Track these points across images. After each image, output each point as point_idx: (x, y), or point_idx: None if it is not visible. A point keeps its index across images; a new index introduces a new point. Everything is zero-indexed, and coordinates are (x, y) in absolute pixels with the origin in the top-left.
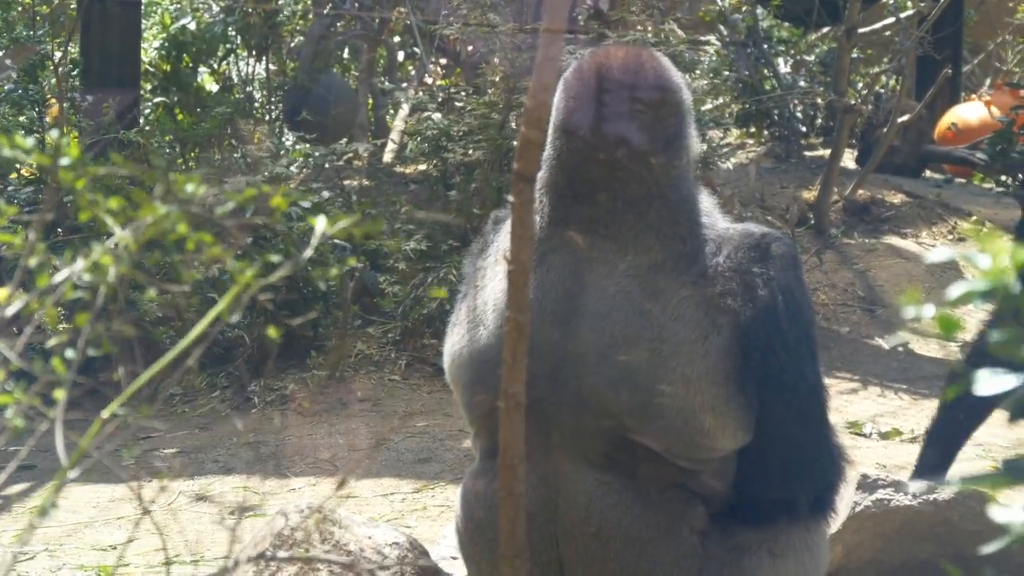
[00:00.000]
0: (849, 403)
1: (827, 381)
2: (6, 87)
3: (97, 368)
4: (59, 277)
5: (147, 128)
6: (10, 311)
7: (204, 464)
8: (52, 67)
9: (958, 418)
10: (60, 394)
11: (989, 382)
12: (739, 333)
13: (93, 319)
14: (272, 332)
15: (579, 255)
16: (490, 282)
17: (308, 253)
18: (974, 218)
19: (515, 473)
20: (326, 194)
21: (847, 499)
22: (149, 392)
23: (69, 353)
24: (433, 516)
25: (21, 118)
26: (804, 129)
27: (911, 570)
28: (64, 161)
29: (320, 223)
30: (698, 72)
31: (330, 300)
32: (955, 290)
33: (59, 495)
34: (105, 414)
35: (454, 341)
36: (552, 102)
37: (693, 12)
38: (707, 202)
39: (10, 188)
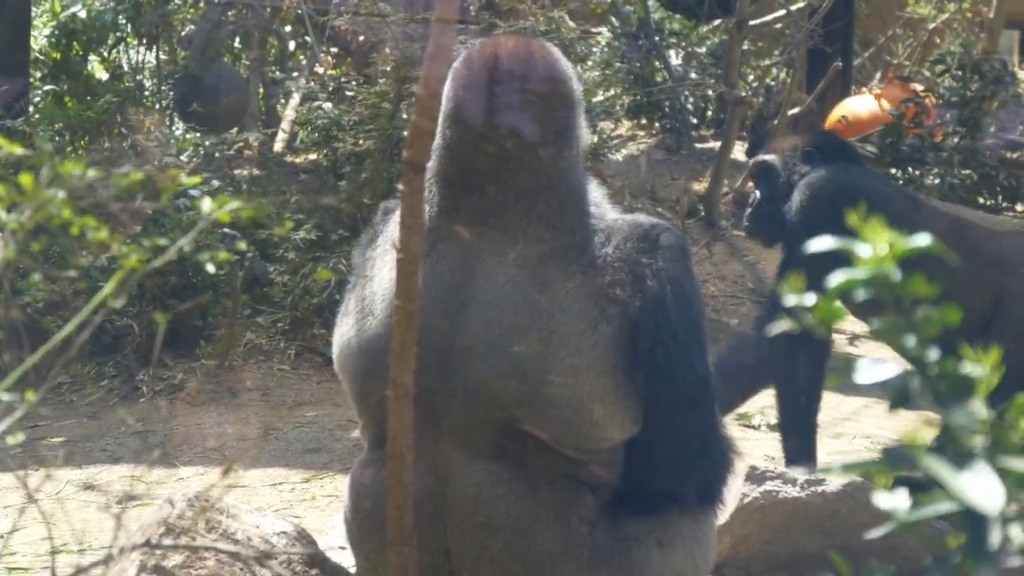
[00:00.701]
0: None
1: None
2: None
3: None
4: None
5: (36, 116)
6: None
7: (92, 453)
8: None
9: (799, 401)
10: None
11: (869, 371)
12: (628, 323)
13: None
14: (159, 317)
15: (469, 245)
16: (379, 272)
17: (192, 234)
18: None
19: (403, 462)
20: (216, 183)
21: (735, 491)
22: (36, 378)
23: None
24: (322, 506)
25: None
26: (695, 121)
27: (799, 562)
28: None
29: (206, 204)
30: (589, 63)
31: (219, 289)
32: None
33: None
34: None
35: (343, 331)
36: (442, 90)
37: (584, 3)
38: (597, 193)
39: None
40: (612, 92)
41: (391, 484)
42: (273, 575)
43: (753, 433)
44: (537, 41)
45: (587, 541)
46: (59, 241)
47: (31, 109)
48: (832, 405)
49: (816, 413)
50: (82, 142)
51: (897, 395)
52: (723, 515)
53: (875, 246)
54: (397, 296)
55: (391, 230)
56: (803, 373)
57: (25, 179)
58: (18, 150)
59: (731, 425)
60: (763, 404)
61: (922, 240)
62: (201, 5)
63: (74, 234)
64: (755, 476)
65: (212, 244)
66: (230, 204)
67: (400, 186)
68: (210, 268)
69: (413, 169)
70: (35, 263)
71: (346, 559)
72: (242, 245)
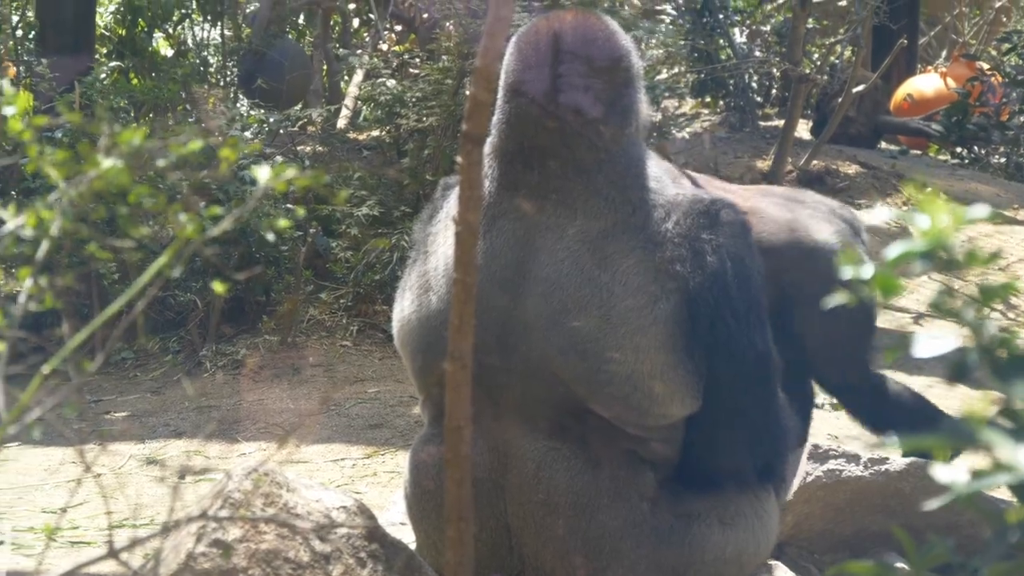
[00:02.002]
0: None
1: None
2: None
3: (51, 325)
4: (1, 230)
5: (100, 92)
6: None
7: (155, 428)
8: (8, 31)
9: None
10: (1, 347)
11: (926, 345)
12: (687, 300)
13: (35, 273)
14: (217, 286)
15: (528, 221)
16: (440, 247)
17: (250, 203)
18: (928, 189)
19: (461, 436)
20: (280, 159)
21: (799, 470)
22: (96, 349)
23: (10, 308)
24: (383, 482)
25: None
26: (760, 100)
27: (862, 541)
28: (9, 110)
29: (263, 173)
30: (654, 41)
31: (282, 265)
32: (893, 250)
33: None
34: (46, 369)
35: (403, 307)
36: (502, 64)
37: None
38: (657, 168)
39: None
40: (676, 70)
41: (449, 458)
42: (332, 549)
43: (817, 412)
44: (596, 15)
45: (648, 518)
46: (116, 211)
47: (96, 86)
48: None
49: None
50: (147, 118)
51: (955, 369)
52: (785, 493)
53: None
54: (455, 269)
55: (451, 205)
56: None
57: (83, 147)
58: (77, 118)
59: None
60: None
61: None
62: None
63: (131, 203)
64: (818, 455)
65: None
66: (287, 173)
67: (459, 159)
68: (269, 237)
69: (472, 141)
70: (96, 232)
71: (406, 535)
72: (301, 211)
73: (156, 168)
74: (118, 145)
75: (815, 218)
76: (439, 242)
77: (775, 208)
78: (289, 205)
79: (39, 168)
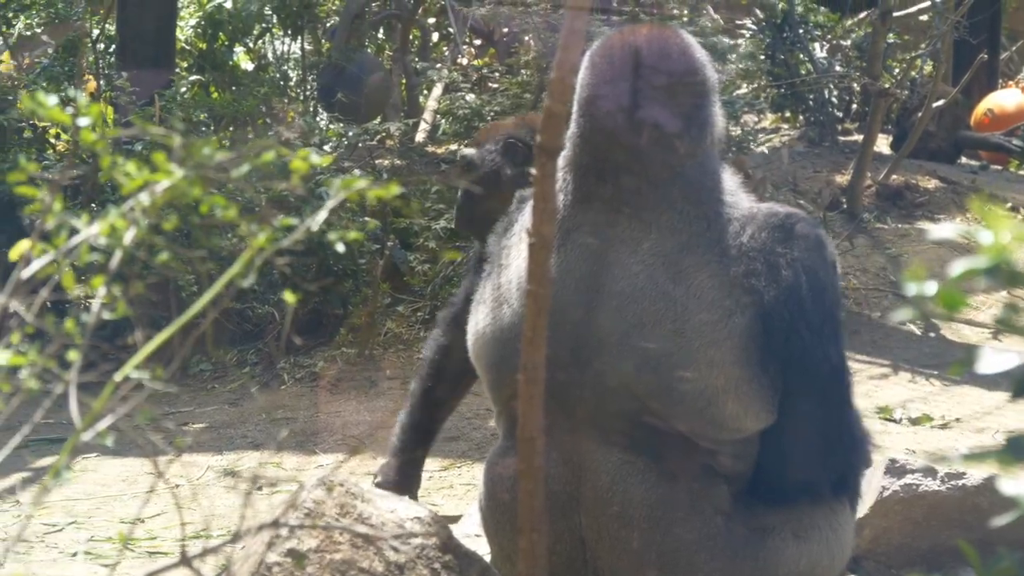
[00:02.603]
0: (879, 388)
1: (857, 366)
2: (43, 62)
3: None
4: (76, 240)
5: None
6: (27, 273)
7: (232, 440)
8: (89, 44)
9: None
10: (74, 355)
11: (990, 361)
12: (762, 314)
13: (109, 282)
14: (289, 296)
15: (602, 235)
16: (514, 261)
17: (322, 213)
18: (1009, 205)
19: (534, 447)
20: (358, 173)
21: (875, 484)
22: (169, 356)
23: (85, 316)
24: (459, 494)
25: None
26: (839, 114)
27: (939, 555)
28: (84, 121)
29: (336, 184)
30: (733, 56)
31: (360, 278)
32: (957, 267)
33: (76, 461)
34: (118, 377)
35: (478, 320)
36: (576, 76)
37: None
38: (731, 182)
39: (45, 163)
40: (756, 85)
41: (522, 469)
42: (407, 560)
43: (894, 427)
44: (671, 29)
45: (722, 532)
46: (190, 221)
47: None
48: (974, 399)
49: None
50: (227, 132)
51: (1020, 385)
52: (861, 507)
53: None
54: (528, 280)
55: (526, 218)
56: None
57: (157, 157)
58: (154, 129)
59: (872, 419)
60: (904, 398)
61: None
62: None
63: (203, 213)
64: (895, 469)
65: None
66: (359, 183)
67: (533, 171)
68: (339, 248)
69: (546, 153)
70: (168, 242)
71: (482, 547)
72: (373, 224)
73: (231, 179)
74: (192, 156)
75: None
76: (514, 255)
77: None
78: (367, 218)
79: (113, 178)
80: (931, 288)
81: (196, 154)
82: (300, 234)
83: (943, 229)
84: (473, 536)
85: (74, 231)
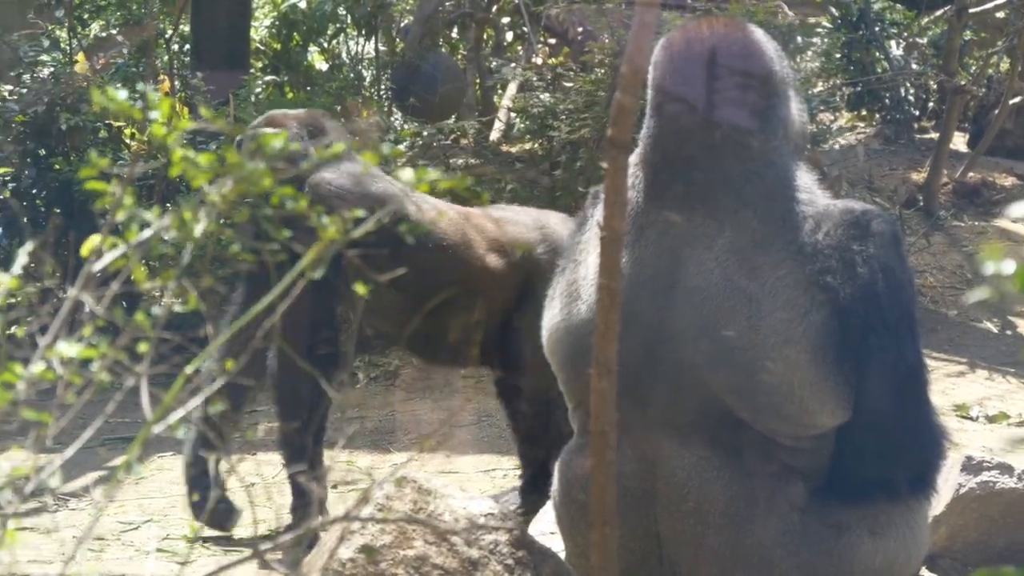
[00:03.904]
0: (956, 386)
1: (934, 363)
2: (118, 62)
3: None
4: (146, 233)
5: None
6: (98, 266)
7: None
8: (163, 44)
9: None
10: (145, 348)
11: None
12: (838, 311)
13: (179, 275)
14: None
15: (676, 231)
16: (588, 256)
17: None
18: None
19: (606, 441)
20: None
21: (951, 481)
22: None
23: (155, 309)
24: None
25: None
26: (916, 112)
27: (1016, 553)
28: (154, 115)
29: (406, 175)
30: (809, 54)
31: None
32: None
33: (151, 459)
34: (188, 369)
35: (552, 316)
36: (646, 69)
37: None
38: (806, 179)
39: (120, 162)
40: (832, 83)
41: (594, 463)
42: (480, 555)
43: (971, 424)
44: (744, 25)
45: (798, 528)
46: (259, 213)
47: (252, 99)
48: None
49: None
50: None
51: None
52: (937, 504)
53: None
54: (600, 274)
55: (600, 214)
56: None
57: (227, 150)
58: (222, 123)
59: (948, 416)
60: (981, 395)
61: None
62: None
63: (274, 205)
64: (971, 467)
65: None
66: (430, 175)
67: (604, 165)
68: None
69: (616, 147)
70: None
71: (555, 544)
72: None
73: (303, 172)
74: (261, 149)
75: (563, 223)
76: (588, 251)
77: (524, 214)
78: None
79: (185, 174)
80: (1009, 267)
81: (266, 147)
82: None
83: (1016, 209)
84: (548, 534)
85: (145, 224)
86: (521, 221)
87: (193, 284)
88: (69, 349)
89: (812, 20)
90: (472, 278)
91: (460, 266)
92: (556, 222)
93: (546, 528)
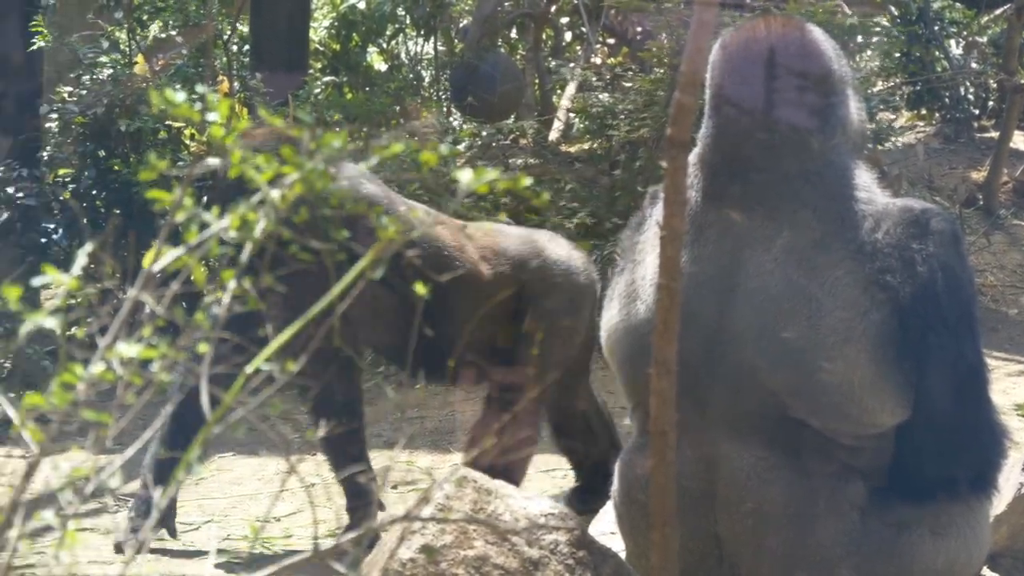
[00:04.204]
0: (1016, 385)
1: (994, 363)
2: (177, 64)
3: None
4: (206, 233)
5: (313, 105)
6: (158, 266)
7: (369, 439)
8: (222, 45)
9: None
10: (205, 348)
11: None
12: (898, 310)
13: (239, 275)
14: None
15: (735, 231)
16: (647, 256)
17: (454, 204)
18: None
19: (666, 440)
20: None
21: (1013, 481)
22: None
23: (215, 309)
24: None
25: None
26: (976, 111)
27: None
28: (212, 116)
29: (465, 175)
30: (869, 53)
31: None
32: None
33: (211, 459)
34: (249, 369)
35: (611, 316)
36: (705, 68)
37: None
38: (865, 178)
39: (180, 164)
40: (891, 82)
41: (654, 463)
42: (540, 555)
43: None
44: (802, 24)
45: (858, 527)
46: (319, 213)
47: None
48: None
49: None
50: (361, 132)
51: None
52: (998, 504)
53: None
54: (660, 274)
55: (659, 214)
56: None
57: (286, 151)
58: (279, 122)
59: (1010, 416)
60: None
61: None
62: None
63: (333, 206)
64: None
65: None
66: (489, 174)
67: (663, 164)
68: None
69: (676, 146)
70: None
71: (616, 544)
72: (504, 216)
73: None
74: (321, 149)
75: (553, 240)
76: (647, 251)
77: (515, 228)
78: (502, 220)
79: (244, 174)
80: None
81: (325, 147)
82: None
83: None
84: (608, 534)
85: (204, 225)
86: (512, 234)
87: (253, 284)
88: (129, 350)
89: (871, 19)
90: (467, 287)
91: (456, 274)
92: (546, 238)
93: (606, 528)
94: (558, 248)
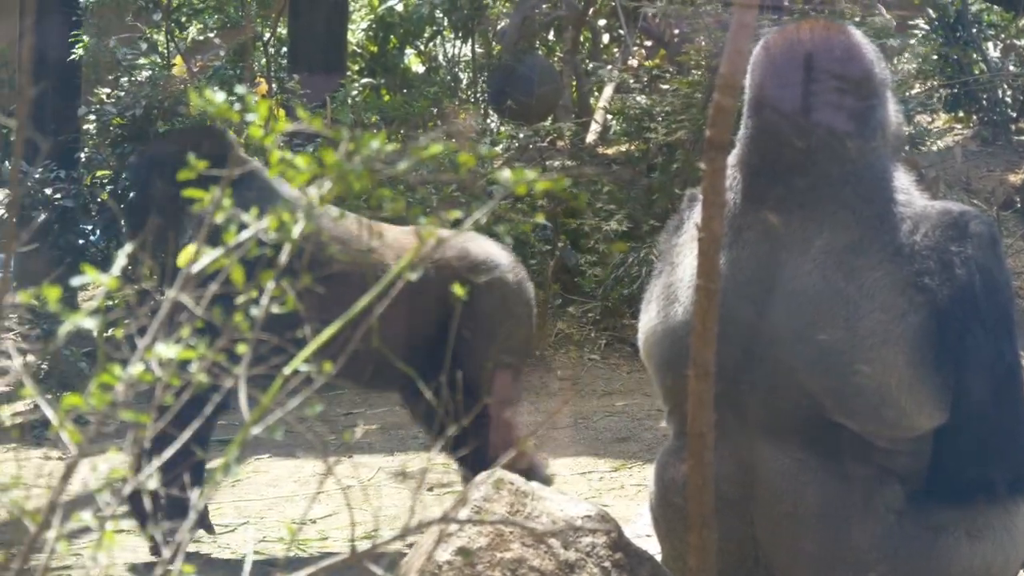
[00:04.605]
0: None
1: None
2: (215, 65)
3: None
4: (244, 234)
5: (351, 107)
6: (196, 267)
7: (404, 441)
8: (261, 47)
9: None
10: (243, 349)
11: None
12: (936, 312)
13: (278, 276)
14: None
15: (773, 233)
16: (685, 258)
17: (489, 206)
18: None
19: (704, 442)
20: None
21: None
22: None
23: (253, 310)
24: (630, 495)
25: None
26: (1013, 114)
27: None
28: (251, 116)
29: (504, 176)
30: (906, 56)
31: (531, 279)
32: None
33: (248, 461)
34: (287, 370)
35: (648, 318)
36: (744, 70)
37: None
38: (904, 180)
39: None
40: (929, 84)
41: (692, 465)
42: (577, 558)
43: None
44: (842, 27)
45: (895, 530)
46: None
47: (348, 102)
48: None
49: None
50: (398, 134)
51: None
52: None
53: None
54: (698, 276)
55: (697, 216)
56: None
57: (325, 152)
58: (318, 124)
59: None
60: None
61: None
62: None
63: (372, 206)
64: None
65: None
66: (527, 175)
67: (702, 165)
68: (507, 240)
69: (715, 148)
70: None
71: (652, 547)
72: (540, 217)
73: (400, 174)
74: (359, 150)
75: (477, 241)
76: (685, 253)
77: (444, 232)
78: (540, 221)
79: (282, 174)
80: None
81: (363, 148)
82: (469, 226)
83: None
84: (644, 537)
85: (243, 226)
86: (441, 237)
87: (291, 285)
88: (167, 350)
89: (909, 22)
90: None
91: (369, 279)
92: (472, 240)
93: (642, 531)
94: (484, 249)
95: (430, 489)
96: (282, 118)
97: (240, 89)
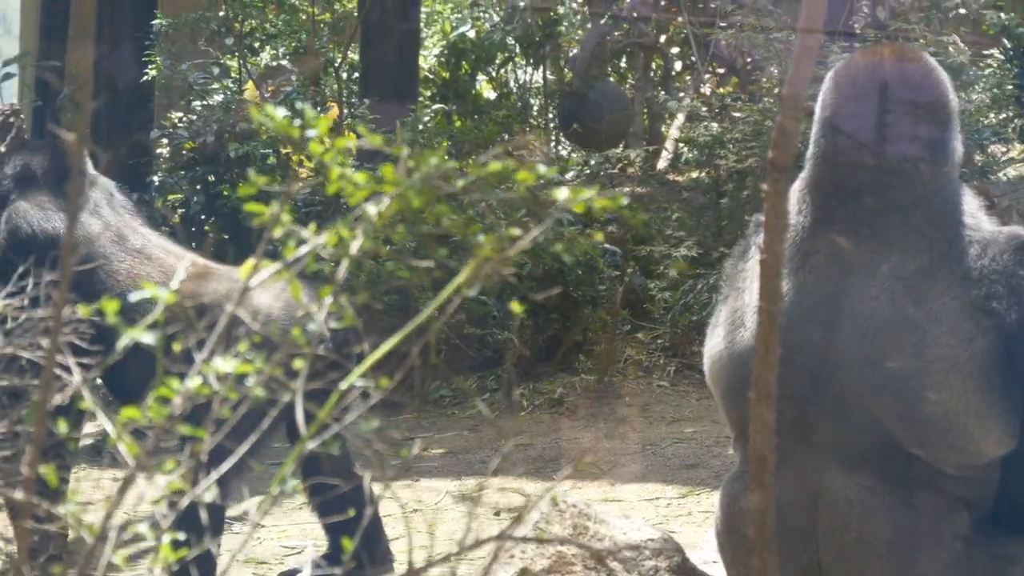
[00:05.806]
0: None
1: None
2: (287, 90)
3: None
4: (303, 249)
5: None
6: (255, 282)
7: (471, 465)
8: (333, 73)
9: None
10: (300, 364)
11: None
12: (1004, 337)
13: (336, 292)
14: (515, 307)
15: (841, 257)
16: (751, 284)
17: (547, 223)
18: None
19: (765, 464)
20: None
21: None
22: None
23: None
24: (697, 521)
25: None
26: None
27: None
28: (311, 132)
29: (562, 194)
30: (980, 86)
31: (599, 305)
32: None
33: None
34: (343, 385)
35: (714, 343)
36: (808, 92)
37: (976, 26)
38: (972, 205)
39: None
40: (1004, 115)
41: (753, 487)
42: None
43: None
44: (915, 52)
45: (962, 559)
46: (417, 231)
47: (420, 127)
48: None
49: None
50: (469, 160)
51: None
52: None
53: None
54: (761, 297)
55: (761, 239)
56: None
57: (385, 168)
58: (378, 140)
59: None
60: None
61: None
62: (588, 26)
63: (429, 222)
64: None
65: (593, 259)
66: (587, 193)
67: (765, 187)
68: (566, 258)
69: (778, 170)
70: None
71: (718, 573)
72: (599, 236)
73: (461, 191)
74: (419, 167)
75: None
76: (750, 278)
77: (234, 271)
78: (608, 246)
79: (342, 191)
80: None
81: (423, 165)
82: (527, 243)
83: None
84: (711, 563)
85: (302, 241)
86: (224, 276)
87: (349, 300)
88: (225, 364)
89: (984, 52)
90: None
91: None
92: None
93: (709, 557)
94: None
95: (497, 514)
96: (351, 139)
97: (302, 105)
